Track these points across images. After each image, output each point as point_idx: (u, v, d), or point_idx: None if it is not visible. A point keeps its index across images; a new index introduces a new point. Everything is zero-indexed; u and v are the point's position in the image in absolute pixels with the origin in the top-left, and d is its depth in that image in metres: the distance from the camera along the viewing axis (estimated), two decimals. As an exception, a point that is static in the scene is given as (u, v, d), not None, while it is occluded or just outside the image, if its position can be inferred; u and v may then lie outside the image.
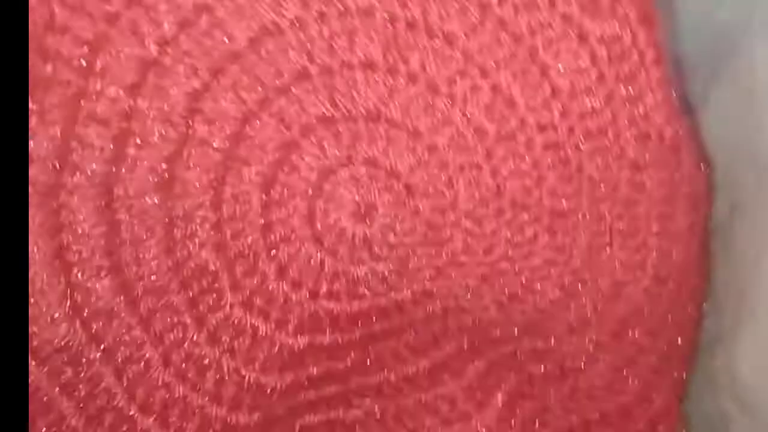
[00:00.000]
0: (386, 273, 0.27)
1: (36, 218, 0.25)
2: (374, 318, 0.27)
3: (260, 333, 0.26)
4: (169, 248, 0.25)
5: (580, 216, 0.28)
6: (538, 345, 0.28)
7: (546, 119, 0.26)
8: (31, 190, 0.25)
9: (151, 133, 0.25)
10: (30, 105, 0.25)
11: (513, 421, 0.28)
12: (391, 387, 0.27)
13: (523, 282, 0.28)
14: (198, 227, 0.25)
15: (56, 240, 0.25)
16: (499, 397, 0.27)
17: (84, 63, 0.25)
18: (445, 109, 0.26)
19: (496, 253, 0.27)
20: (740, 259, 0.29)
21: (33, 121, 0.25)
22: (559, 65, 0.26)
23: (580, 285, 0.28)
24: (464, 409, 0.27)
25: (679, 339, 0.30)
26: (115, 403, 0.26)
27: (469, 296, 0.27)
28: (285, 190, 0.26)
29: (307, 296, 0.26)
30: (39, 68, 0.25)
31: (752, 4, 0.28)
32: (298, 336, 0.26)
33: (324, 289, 0.26)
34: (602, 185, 0.28)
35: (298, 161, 0.26)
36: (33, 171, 0.25)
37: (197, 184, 0.25)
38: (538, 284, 0.28)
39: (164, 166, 0.25)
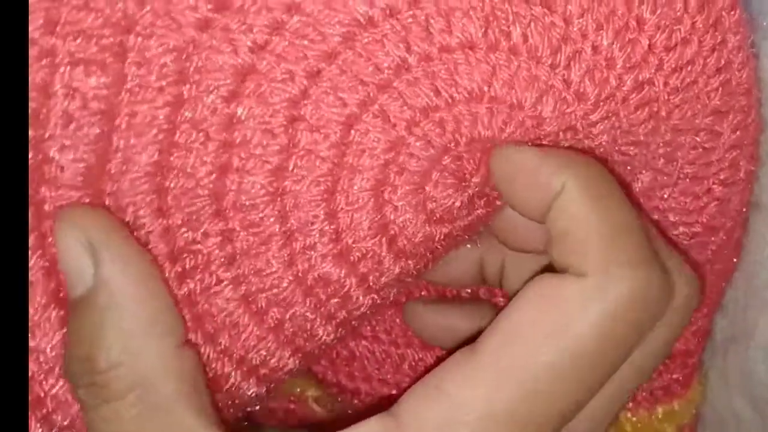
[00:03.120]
0: None
1: (146, 225, 0.24)
2: None
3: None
4: (290, 261, 0.25)
5: (653, 159, 0.29)
6: None
7: (643, 76, 0.26)
8: (129, 191, 0.24)
9: (256, 144, 0.24)
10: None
11: None
12: None
13: None
14: (317, 240, 0.25)
15: (169, 244, 0.25)
16: None
17: (174, 68, 0.23)
18: (547, 78, 0.25)
19: None
20: (758, 256, 0.30)
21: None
22: (655, 18, 0.25)
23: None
24: None
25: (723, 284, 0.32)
26: None
27: None
28: (397, 190, 0.25)
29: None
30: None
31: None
32: None
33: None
34: (683, 135, 0.28)
35: (406, 159, 0.25)
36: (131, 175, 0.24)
37: (308, 197, 0.25)
38: None
39: (271, 178, 0.24)
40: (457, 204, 0.26)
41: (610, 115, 0.26)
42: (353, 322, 0.28)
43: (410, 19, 0.24)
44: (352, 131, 0.24)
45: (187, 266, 0.25)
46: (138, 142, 0.24)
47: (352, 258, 0.25)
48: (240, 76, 0.23)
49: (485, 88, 0.25)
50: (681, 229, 0.31)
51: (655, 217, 0.31)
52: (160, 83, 0.23)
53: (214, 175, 0.24)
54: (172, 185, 0.24)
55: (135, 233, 0.24)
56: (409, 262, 0.27)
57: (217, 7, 0.23)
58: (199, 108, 0.23)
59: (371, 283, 0.26)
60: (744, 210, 0.31)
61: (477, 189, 0.26)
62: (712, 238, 0.31)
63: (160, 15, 0.23)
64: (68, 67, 0.23)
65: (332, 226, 0.25)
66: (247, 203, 0.24)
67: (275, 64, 0.23)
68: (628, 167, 0.29)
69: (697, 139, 0.28)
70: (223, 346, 0.25)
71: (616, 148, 0.27)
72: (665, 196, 0.30)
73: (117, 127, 0.23)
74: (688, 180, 0.29)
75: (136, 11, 0.23)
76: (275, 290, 0.25)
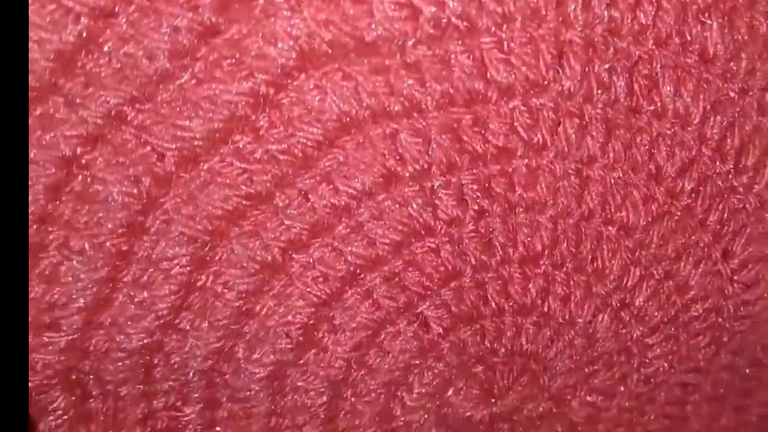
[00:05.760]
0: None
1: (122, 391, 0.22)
2: None
3: None
4: None
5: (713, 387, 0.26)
6: None
7: (714, 303, 0.23)
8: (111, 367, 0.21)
9: (266, 341, 0.21)
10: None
11: None
12: None
13: None
14: (307, 420, 0.23)
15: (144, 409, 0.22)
16: None
17: (190, 257, 0.20)
18: (607, 296, 0.23)
19: None
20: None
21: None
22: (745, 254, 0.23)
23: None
24: None
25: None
26: None
27: None
28: (413, 390, 0.23)
29: None
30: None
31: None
32: None
33: None
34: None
35: (433, 363, 0.23)
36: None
37: (312, 387, 0.22)
38: None
39: (274, 370, 0.22)
40: (476, 418, 0.23)
41: (669, 338, 0.24)
42: None
43: (473, 234, 0.21)
44: (383, 334, 0.22)
45: (158, 427, 0.22)
46: (129, 325, 0.21)
47: None
48: (265, 274, 0.20)
49: (538, 302, 0.22)
50: None
51: None
52: (169, 270, 0.20)
53: (210, 361, 0.21)
54: (161, 364, 0.21)
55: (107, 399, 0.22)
56: None
57: (254, 202, 0.19)
58: (210, 300, 0.20)
59: None
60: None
61: (502, 411, 0.24)
62: None
63: (185, 201, 0.19)
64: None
65: (329, 412, 0.22)
66: (240, 387, 0.22)
67: (309, 267, 0.20)
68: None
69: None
70: None
71: (674, 375, 0.25)
72: None
73: (109, 303, 0.20)
74: None
75: (159, 194, 0.19)
76: None
